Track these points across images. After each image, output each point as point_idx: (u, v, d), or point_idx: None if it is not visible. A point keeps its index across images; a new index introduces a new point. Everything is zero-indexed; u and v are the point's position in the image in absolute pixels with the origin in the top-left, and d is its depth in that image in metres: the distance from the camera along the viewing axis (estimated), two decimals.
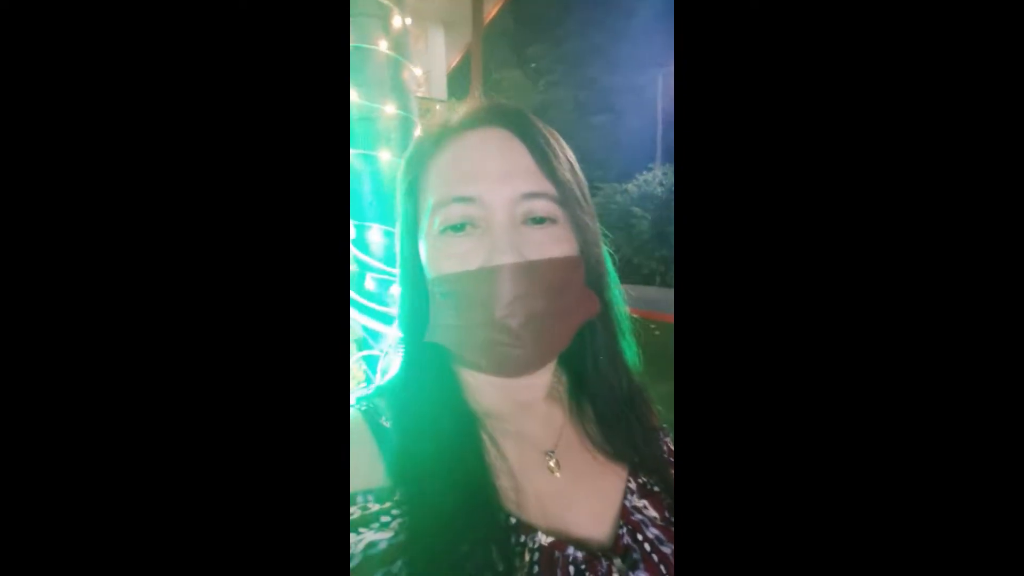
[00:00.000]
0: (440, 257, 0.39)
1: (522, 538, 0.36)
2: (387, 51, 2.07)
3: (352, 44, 2.05)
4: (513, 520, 0.37)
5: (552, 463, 0.43)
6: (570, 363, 0.48)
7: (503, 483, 0.38)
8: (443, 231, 0.39)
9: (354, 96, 2.02)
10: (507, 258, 0.37)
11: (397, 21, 2.11)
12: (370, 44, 2.04)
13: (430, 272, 0.41)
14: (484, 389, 0.44)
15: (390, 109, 2.06)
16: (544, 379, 0.46)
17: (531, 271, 0.37)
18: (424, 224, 0.41)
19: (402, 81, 2.17)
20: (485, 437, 0.41)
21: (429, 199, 0.40)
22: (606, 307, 0.45)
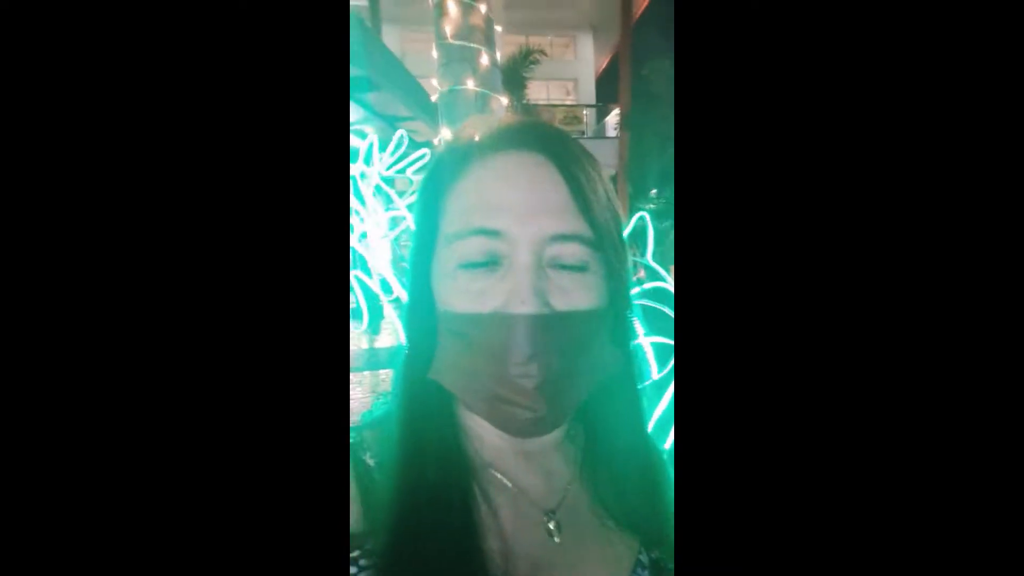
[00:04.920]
0: (454, 292, 0.35)
1: None
2: (474, 88, 2.35)
3: (447, 88, 2.38)
4: None
5: (551, 525, 0.38)
6: (587, 417, 0.43)
7: (491, 545, 0.35)
8: (461, 265, 0.35)
9: (446, 133, 2.35)
10: (529, 307, 0.33)
11: (484, 59, 2.37)
12: (459, 85, 2.35)
13: (441, 306, 0.37)
14: (486, 437, 0.40)
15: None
16: (555, 434, 0.41)
17: (554, 324, 0.34)
18: (440, 253, 0.37)
19: (491, 111, 2.43)
20: (477, 490, 0.37)
21: (448, 226, 0.36)
22: (627, 363, 0.40)
